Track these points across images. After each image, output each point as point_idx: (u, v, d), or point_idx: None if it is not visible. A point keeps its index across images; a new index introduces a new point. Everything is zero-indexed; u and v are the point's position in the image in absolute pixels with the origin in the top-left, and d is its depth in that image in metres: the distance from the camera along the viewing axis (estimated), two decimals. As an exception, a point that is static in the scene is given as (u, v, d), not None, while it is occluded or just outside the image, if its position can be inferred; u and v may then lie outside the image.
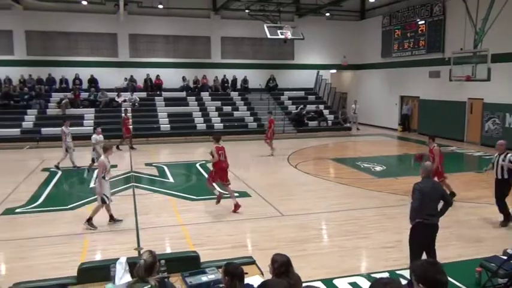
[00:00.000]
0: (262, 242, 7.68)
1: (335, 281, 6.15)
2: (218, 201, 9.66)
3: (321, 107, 25.69)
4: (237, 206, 9.43)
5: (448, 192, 9.60)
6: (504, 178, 8.48)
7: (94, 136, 13.17)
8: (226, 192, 9.83)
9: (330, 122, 24.96)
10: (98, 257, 7.20)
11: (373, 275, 6.15)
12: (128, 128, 18.35)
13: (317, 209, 9.81)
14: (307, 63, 27.26)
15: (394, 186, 11.82)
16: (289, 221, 8.96)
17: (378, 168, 14.34)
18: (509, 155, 8.41)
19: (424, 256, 5.71)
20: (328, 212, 9.62)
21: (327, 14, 25.50)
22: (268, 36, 21.40)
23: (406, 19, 23.53)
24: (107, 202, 8.64)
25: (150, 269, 3.67)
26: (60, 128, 14.40)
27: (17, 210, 9.65)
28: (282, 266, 3.82)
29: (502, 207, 8.54)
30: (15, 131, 20.25)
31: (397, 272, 6.32)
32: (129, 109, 21.55)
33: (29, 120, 21.17)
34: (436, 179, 9.91)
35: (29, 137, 19.95)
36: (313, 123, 24.59)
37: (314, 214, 9.45)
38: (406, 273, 6.02)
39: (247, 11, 23.43)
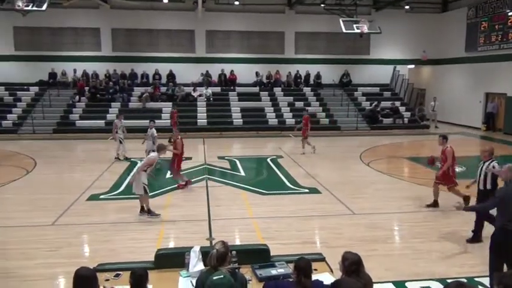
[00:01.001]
0: (331, 240, 7.62)
1: (407, 284, 5.97)
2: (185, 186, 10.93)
3: (397, 103, 24.77)
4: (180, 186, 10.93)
5: (462, 198, 8.90)
6: (487, 189, 7.53)
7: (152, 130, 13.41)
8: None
9: (406, 120, 24.00)
10: (172, 244, 7.57)
11: (448, 280, 5.87)
12: (175, 122, 18.00)
13: (389, 209, 9.53)
14: (383, 58, 26.41)
15: (474, 189, 11.13)
16: (360, 219, 8.80)
17: (457, 170, 13.55)
18: (494, 162, 7.55)
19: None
20: (400, 213, 9.31)
21: (407, 7, 24.47)
22: (344, 30, 21.02)
23: (494, 10, 21.95)
24: (148, 192, 8.88)
25: (223, 259, 3.80)
26: (146, 122, 14.91)
27: (101, 197, 10.38)
28: (352, 265, 3.77)
29: (479, 223, 7.48)
30: (100, 123, 21.69)
31: (475, 279, 5.99)
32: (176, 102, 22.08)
33: (113, 112, 22.53)
34: (444, 184, 9.33)
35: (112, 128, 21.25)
36: (387, 121, 23.81)
37: (386, 214, 9.20)
38: (485, 281, 5.69)
39: (322, 5, 23.15)
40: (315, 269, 4.48)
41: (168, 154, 11.02)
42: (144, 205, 8.87)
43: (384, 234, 8.03)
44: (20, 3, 17.21)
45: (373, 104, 24.22)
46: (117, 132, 14.70)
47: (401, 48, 26.53)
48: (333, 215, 9.11)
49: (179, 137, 11.50)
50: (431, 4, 25.93)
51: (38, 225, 8.31)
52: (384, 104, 24.58)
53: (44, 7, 17.70)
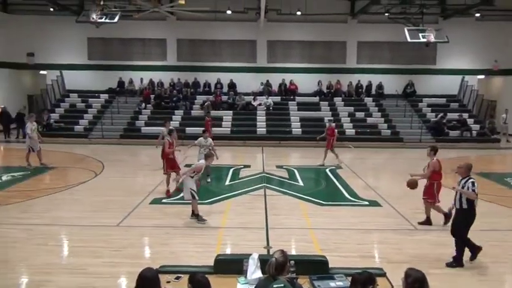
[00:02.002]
0: (392, 255, 7.37)
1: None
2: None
3: (465, 115, 23.60)
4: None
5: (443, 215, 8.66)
6: (463, 208, 6.92)
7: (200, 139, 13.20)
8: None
9: (474, 133, 22.80)
10: (230, 250, 7.66)
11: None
12: (209, 130, 17.15)
13: (455, 226, 9.05)
14: (450, 68, 25.32)
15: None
16: (422, 235, 8.45)
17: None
18: (471, 180, 6.88)
19: None
20: (468, 231, 8.81)
21: (477, 15, 23.34)
22: (409, 39, 20.41)
23: None
24: (196, 198, 8.98)
25: (281, 268, 3.79)
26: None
27: (163, 201, 10.74)
28: (416, 282, 3.62)
29: (462, 244, 6.97)
30: (164, 130, 22.42)
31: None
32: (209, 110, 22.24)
33: (176, 120, 23.32)
34: (426, 198, 8.94)
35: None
36: (454, 133, 22.73)
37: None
38: None
39: (387, 14, 22.64)
40: (377, 284, 4.36)
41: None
42: (194, 210, 9.08)
43: (448, 252, 7.61)
44: (95, 16, 18.39)
45: (439, 116, 23.23)
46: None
47: (470, 57, 25.32)
48: (393, 229, 8.81)
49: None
50: (503, 12, 24.51)
51: (104, 225, 8.74)
52: (450, 115, 23.52)
53: (116, 19, 18.78)
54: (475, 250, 7.03)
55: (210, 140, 13.03)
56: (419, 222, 9.14)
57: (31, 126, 14.66)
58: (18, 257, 7.09)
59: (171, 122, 22.79)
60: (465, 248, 6.99)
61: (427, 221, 9.06)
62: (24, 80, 27.20)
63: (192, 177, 8.97)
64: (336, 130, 16.15)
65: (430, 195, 8.95)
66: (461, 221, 7.00)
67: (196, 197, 9.04)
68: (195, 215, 9.05)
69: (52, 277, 6.34)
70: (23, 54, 25.29)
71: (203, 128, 15.45)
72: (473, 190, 6.82)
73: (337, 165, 15.60)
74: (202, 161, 9.30)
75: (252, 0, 23.18)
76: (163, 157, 12.01)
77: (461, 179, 7.06)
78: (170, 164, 11.69)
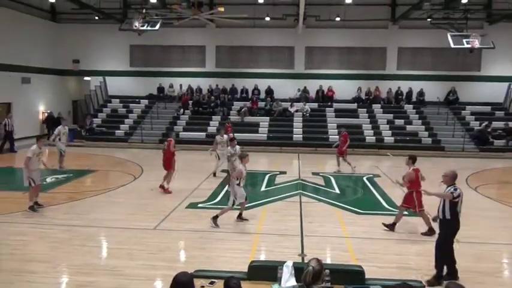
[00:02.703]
0: (431, 268, 7.11)
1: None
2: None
3: (511, 124, 22.62)
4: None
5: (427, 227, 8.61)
6: (446, 218, 6.55)
7: (228, 149, 13.44)
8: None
9: (521, 142, 21.82)
10: (264, 257, 7.63)
11: None
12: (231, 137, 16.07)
13: (499, 239, 8.68)
14: (496, 75, 24.37)
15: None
16: (464, 248, 8.05)
17: None
18: (454, 187, 6.58)
19: None
20: (512, 245, 8.42)
21: (525, 19, 22.42)
22: (452, 45, 19.82)
23: None
24: (246, 199, 9.43)
25: (317, 277, 3.74)
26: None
27: (199, 205, 10.85)
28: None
29: (442, 257, 6.54)
30: (201, 135, 22.78)
31: None
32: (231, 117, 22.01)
33: (213, 125, 23.56)
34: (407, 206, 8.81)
35: (212, 140, 22.09)
36: (499, 142, 21.80)
37: (495, 244, 8.39)
38: None
39: (429, 19, 22.09)
40: (414, 297, 4.22)
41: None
42: (220, 212, 9.30)
43: (492, 266, 7.32)
44: (137, 24, 18.91)
45: (484, 124, 22.36)
46: (217, 147, 15.02)
47: (517, 64, 24.34)
48: (433, 240, 8.46)
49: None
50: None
51: (142, 228, 8.91)
52: (495, 124, 22.60)
53: (157, 27, 19.23)
54: (454, 271, 6.57)
55: (237, 147, 13.17)
56: (421, 233, 8.86)
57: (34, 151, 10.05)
58: (59, 257, 7.32)
59: (208, 128, 23.25)
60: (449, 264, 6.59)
61: (430, 231, 8.66)
62: (69, 85, 28.32)
63: (238, 184, 9.21)
64: (348, 136, 16.05)
65: (411, 203, 8.87)
66: (446, 232, 6.67)
67: (246, 199, 9.50)
68: (239, 214, 9.46)
69: (91, 278, 6.51)
70: (68, 61, 26.38)
71: (230, 136, 15.37)
72: (452, 194, 6.58)
73: (353, 168, 15.62)
74: (241, 166, 9.41)
75: (290, 6, 23.22)
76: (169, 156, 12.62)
77: (446, 188, 6.81)
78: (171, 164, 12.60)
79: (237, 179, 9.17)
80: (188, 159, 18.62)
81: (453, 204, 6.60)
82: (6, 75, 21.50)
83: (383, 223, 9.11)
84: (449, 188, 6.71)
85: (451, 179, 6.80)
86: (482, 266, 7.26)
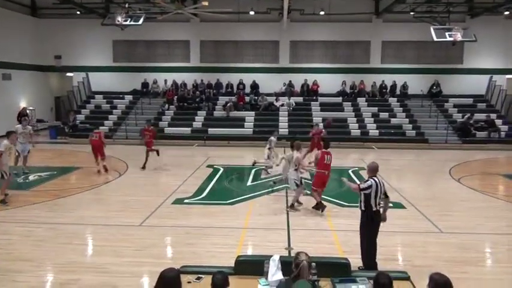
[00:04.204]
0: (416, 258, 7.22)
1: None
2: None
3: (493, 116, 22.99)
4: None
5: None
6: (361, 209, 6.66)
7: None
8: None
9: (503, 134, 22.17)
10: (251, 251, 7.64)
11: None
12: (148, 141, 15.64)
13: (482, 229, 8.83)
14: (478, 68, 24.74)
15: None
16: (448, 238, 8.25)
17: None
18: (369, 180, 6.59)
19: None
20: (495, 234, 8.57)
21: (506, 13, 22.71)
22: (435, 39, 19.99)
23: None
24: (301, 186, 10.07)
25: (309, 270, 3.75)
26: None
27: (185, 201, 10.79)
28: (438, 287, 3.53)
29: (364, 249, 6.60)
30: (187, 130, 22.66)
31: None
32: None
33: (199, 120, 23.49)
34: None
35: (198, 136, 22.12)
36: (481, 134, 22.15)
37: (478, 234, 8.53)
38: None
39: (412, 13, 22.26)
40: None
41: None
42: (292, 199, 10.00)
43: (476, 256, 7.45)
44: (120, 19, 18.65)
45: (466, 116, 22.70)
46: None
47: (498, 56, 24.72)
48: (418, 231, 8.64)
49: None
50: (535, 9, 23.81)
51: (127, 225, 8.85)
52: (477, 116, 22.95)
53: (141, 21, 19.01)
54: (369, 263, 6.54)
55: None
56: (312, 207, 9.85)
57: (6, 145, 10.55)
58: (44, 255, 7.23)
59: (194, 123, 23.14)
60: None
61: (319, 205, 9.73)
62: (52, 82, 27.86)
63: (296, 169, 9.98)
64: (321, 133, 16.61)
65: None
66: (361, 222, 6.70)
67: (301, 185, 10.09)
68: (291, 204, 9.89)
69: (76, 275, 6.44)
70: (50, 57, 25.94)
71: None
72: (359, 185, 6.63)
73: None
74: (297, 153, 10.06)
75: (275, 0, 23.16)
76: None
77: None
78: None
79: (296, 165, 9.89)
80: (174, 155, 18.55)
81: (366, 196, 6.55)
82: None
83: (312, 207, 9.92)
84: (367, 179, 6.67)
85: (370, 170, 6.81)
86: (465, 256, 7.38)
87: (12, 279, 6.32)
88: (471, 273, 6.71)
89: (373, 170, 6.74)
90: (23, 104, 24.48)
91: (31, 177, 13.16)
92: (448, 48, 23.31)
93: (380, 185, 6.55)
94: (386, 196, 6.73)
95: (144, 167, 14.64)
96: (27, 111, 24.18)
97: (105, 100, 25.62)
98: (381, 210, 6.68)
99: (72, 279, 6.31)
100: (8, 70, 23.12)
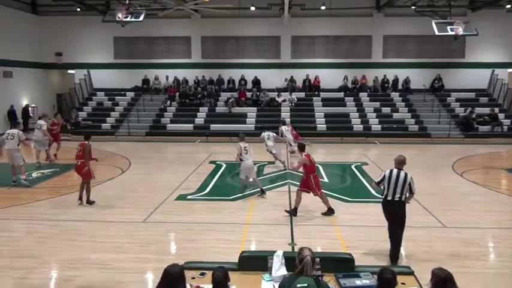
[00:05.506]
0: (419, 253, 7.22)
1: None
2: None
3: (496, 110, 22.91)
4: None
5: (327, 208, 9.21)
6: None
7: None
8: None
9: (505, 128, 22.11)
10: (254, 247, 7.64)
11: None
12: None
13: (485, 224, 8.81)
14: (480, 62, 24.64)
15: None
16: (451, 233, 8.24)
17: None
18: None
19: None
20: (498, 228, 8.55)
21: (508, 6, 22.59)
22: (436, 33, 19.88)
23: None
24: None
25: (313, 265, 3.75)
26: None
27: (188, 197, 10.81)
28: (439, 282, 3.53)
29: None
30: (189, 126, 22.67)
31: None
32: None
33: (201, 117, 23.50)
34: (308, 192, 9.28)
35: (200, 132, 22.13)
36: (484, 128, 22.10)
37: (481, 229, 8.51)
38: None
39: (413, 7, 22.16)
40: (403, 283, 4.28)
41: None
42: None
43: (478, 250, 7.44)
44: (120, 15, 18.59)
45: (468, 110, 22.64)
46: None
47: (500, 50, 24.63)
48: (421, 226, 8.61)
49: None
50: (537, 2, 23.68)
51: (131, 221, 8.87)
52: (480, 110, 22.89)
53: (141, 18, 18.94)
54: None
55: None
56: (286, 211, 9.41)
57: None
58: (47, 252, 7.26)
59: (196, 120, 23.15)
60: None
61: (293, 211, 9.25)
62: (53, 79, 27.87)
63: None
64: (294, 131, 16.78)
65: (310, 188, 9.18)
66: None
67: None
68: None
69: (80, 272, 6.47)
70: (51, 54, 25.92)
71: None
72: (377, 181, 7.03)
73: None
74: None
75: (275, -4, 23.10)
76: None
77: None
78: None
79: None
80: (176, 151, 18.58)
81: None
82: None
83: (285, 210, 9.45)
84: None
85: (395, 163, 7.06)
86: (467, 250, 7.37)
87: (16, 276, 6.34)
88: (474, 267, 6.70)
89: (397, 163, 7.00)
90: (24, 102, 24.53)
91: (34, 174, 13.19)
92: (449, 42, 23.22)
93: (395, 176, 6.77)
94: (411, 192, 6.88)
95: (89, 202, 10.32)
96: (29, 108, 24.29)
97: (106, 97, 25.64)
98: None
99: (76, 276, 6.34)
100: (9, 68, 23.14)
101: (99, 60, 26.06)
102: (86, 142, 10.15)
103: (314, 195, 9.26)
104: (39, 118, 15.78)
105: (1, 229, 8.36)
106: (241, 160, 10.88)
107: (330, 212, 9.22)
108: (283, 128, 16.02)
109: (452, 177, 13.44)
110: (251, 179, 11.13)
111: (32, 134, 15.54)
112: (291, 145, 15.65)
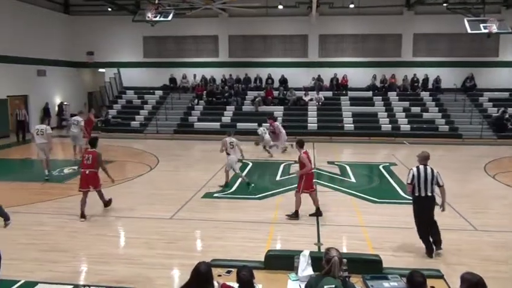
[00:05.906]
0: (449, 256, 7.05)
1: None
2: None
3: (531, 110, 22.17)
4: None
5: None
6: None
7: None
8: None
9: (540, 129, 21.37)
10: (280, 246, 7.62)
11: None
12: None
13: (518, 227, 8.54)
14: (514, 61, 23.89)
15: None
16: (483, 236, 8.02)
17: None
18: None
19: None
20: (532, 233, 8.28)
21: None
22: (469, 31, 19.41)
23: None
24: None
25: (340, 266, 3.72)
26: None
27: (215, 195, 10.89)
28: (471, 287, 3.43)
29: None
30: (216, 125, 22.82)
31: None
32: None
33: (227, 115, 23.61)
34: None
35: (227, 130, 22.11)
36: (518, 129, 21.41)
37: (513, 233, 8.25)
38: None
39: (445, 4, 21.67)
40: (432, 287, 4.19)
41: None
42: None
43: (510, 254, 7.21)
44: (150, 15, 18.91)
45: (501, 111, 21.97)
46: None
47: (537, 48, 23.80)
48: (451, 229, 8.39)
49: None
50: None
51: (158, 218, 9.00)
52: (514, 110, 22.19)
53: (170, 17, 19.22)
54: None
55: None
56: (309, 214, 9.07)
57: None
58: (78, 246, 7.44)
59: (223, 118, 23.28)
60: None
61: (295, 214, 8.98)
62: (84, 77, 28.56)
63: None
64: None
65: (299, 185, 9.00)
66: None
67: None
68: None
69: (109, 267, 6.60)
70: (83, 53, 26.56)
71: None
72: (408, 182, 7.05)
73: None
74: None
75: (303, -6, 22.98)
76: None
77: None
78: None
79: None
80: (204, 149, 18.74)
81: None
82: (21, 68, 21.77)
83: (286, 214, 9.05)
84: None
85: (418, 159, 7.17)
86: (499, 254, 7.15)
87: (48, 269, 6.53)
88: (506, 272, 6.50)
89: (422, 159, 7.11)
90: (58, 100, 25.22)
91: (66, 171, 13.54)
92: (482, 41, 22.61)
93: (423, 173, 6.90)
94: (439, 185, 6.99)
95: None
96: (64, 105, 24.96)
97: (136, 95, 26.10)
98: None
99: (106, 270, 6.47)
100: (43, 66, 23.82)
101: (128, 59, 26.55)
102: (95, 150, 9.37)
103: (295, 192, 9.04)
104: (75, 115, 16.38)
105: (35, 223, 8.61)
106: (227, 154, 11.51)
107: (295, 215, 8.90)
108: (276, 124, 17.01)
109: (485, 179, 13.08)
110: (237, 172, 11.81)
111: (65, 130, 16.03)
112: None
